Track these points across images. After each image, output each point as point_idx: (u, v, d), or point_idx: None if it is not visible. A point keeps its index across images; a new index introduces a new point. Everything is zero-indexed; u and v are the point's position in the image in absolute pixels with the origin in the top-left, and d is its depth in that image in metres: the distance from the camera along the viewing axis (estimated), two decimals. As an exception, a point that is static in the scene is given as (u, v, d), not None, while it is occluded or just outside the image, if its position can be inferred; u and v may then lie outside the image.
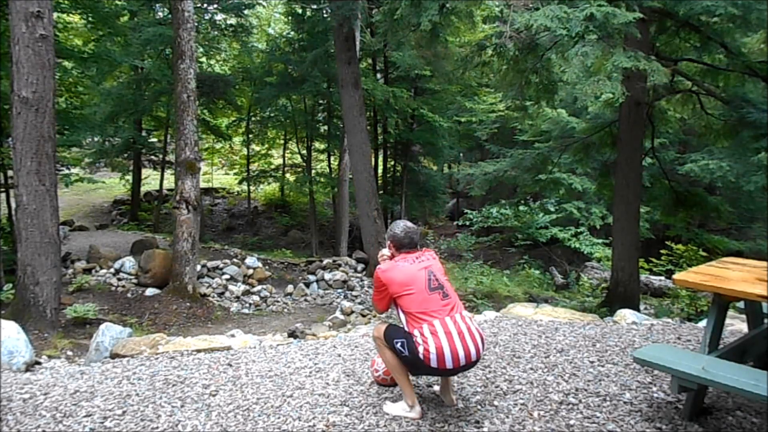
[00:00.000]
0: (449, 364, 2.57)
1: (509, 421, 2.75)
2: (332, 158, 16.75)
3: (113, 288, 8.21)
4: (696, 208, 9.06)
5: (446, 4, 6.79)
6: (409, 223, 2.91)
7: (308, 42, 13.74)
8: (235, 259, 10.10)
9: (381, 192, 15.23)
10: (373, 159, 14.73)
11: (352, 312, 8.78)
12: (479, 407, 2.91)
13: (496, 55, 7.23)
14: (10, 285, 6.49)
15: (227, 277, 9.57)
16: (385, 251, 2.94)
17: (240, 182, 17.95)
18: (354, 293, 10.13)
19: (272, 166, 18.61)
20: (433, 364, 2.57)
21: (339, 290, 10.20)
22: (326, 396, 3.12)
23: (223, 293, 9.17)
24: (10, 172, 8.70)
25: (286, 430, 2.76)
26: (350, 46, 10.83)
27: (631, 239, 7.59)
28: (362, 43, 13.33)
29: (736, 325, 4.42)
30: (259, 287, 9.67)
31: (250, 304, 9.17)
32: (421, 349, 2.58)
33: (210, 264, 9.59)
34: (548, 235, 13.42)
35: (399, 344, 2.66)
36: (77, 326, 6.39)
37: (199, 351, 4.16)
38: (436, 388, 3.11)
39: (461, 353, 2.58)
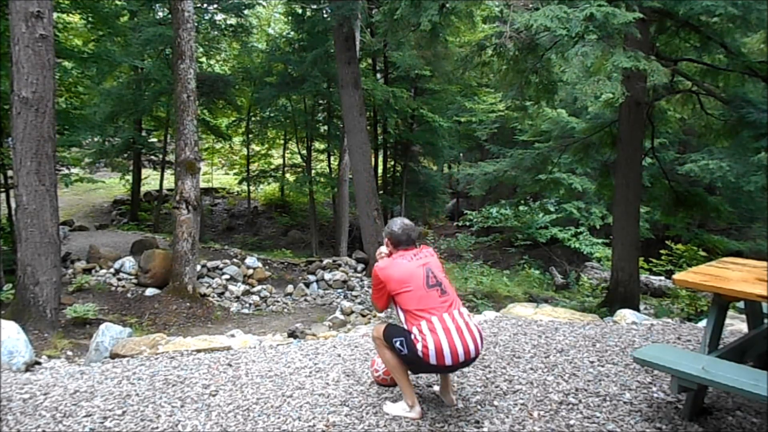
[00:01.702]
0: (448, 361, 2.58)
1: (509, 421, 2.75)
2: (332, 158, 16.76)
3: (113, 288, 8.21)
4: (696, 208, 9.06)
5: (446, 4, 6.78)
6: (407, 221, 2.91)
7: (308, 42, 13.74)
8: (235, 259, 10.10)
9: (381, 192, 15.22)
10: (373, 159, 14.73)
11: (352, 312, 8.78)
12: (479, 407, 2.91)
13: (496, 55, 7.24)
14: (10, 285, 6.50)
15: (227, 277, 9.57)
16: (383, 249, 2.94)
17: (240, 182, 17.95)
18: (354, 293, 10.13)
19: (272, 166, 18.62)
20: (432, 361, 2.57)
21: (339, 290, 10.20)
22: (326, 396, 3.12)
23: (223, 293, 9.17)
24: (10, 172, 8.70)
25: (286, 430, 2.76)
26: (350, 46, 10.83)
27: (631, 239, 7.59)
28: (362, 43, 13.33)
29: (736, 325, 4.42)
30: (259, 287, 9.67)
31: (250, 304, 9.17)
32: (419, 346, 2.58)
33: (210, 264, 9.59)
34: (548, 235, 13.41)
35: (398, 343, 2.66)
36: (77, 326, 6.39)
37: (199, 351, 4.16)
38: (436, 388, 3.11)
39: (460, 350, 2.58)
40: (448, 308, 2.67)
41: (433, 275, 2.72)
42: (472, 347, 2.62)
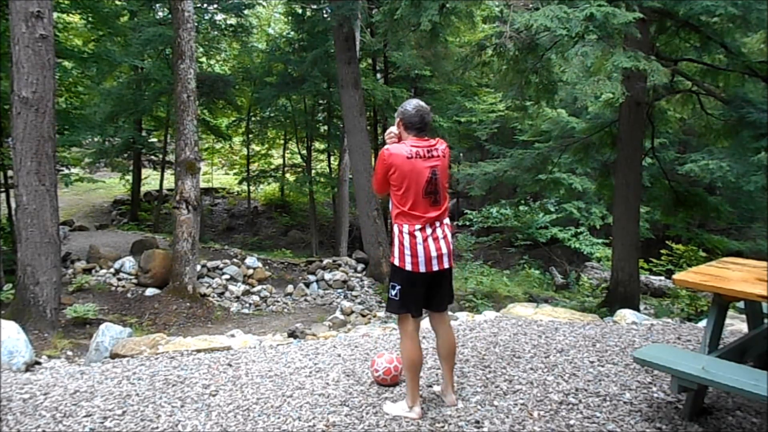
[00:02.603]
0: (422, 268, 2.67)
1: (509, 421, 2.75)
2: (332, 158, 16.75)
3: (113, 288, 8.21)
4: (696, 208, 9.07)
5: (446, 4, 6.79)
6: (422, 102, 2.78)
7: (308, 42, 13.73)
8: (235, 259, 10.09)
9: (381, 192, 15.18)
10: (373, 159, 14.73)
11: (352, 312, 8.78)
12: (479, 407, 2.91)
13: (496, 55, 7.24)
14: (10, 285, 6.49)
15: (227, 277, 9.57)
16: (393, 129, 2.78)
17: (240, 182, 17.94)
18: (354, 293, 10.12)
19: (272, 166, 18.60)
20: (408, 266, 2.67)
21: (339, 290, 10.19)
22: (326, 396, 3.12)
23: (223, 293, 9.17)
24: (10, 172, 8.70)
25: (286, 430, 2.76)
26: (350, 46, 10.83)
27: (631, 239, 7.59)
28: (362, 43, 13.32)
29: (736, 325, 4.42)
30: (259, 287, 9.67)
31: (250, 304, 9.17)
32: (396, 253, 2.72)
33: (210, 264, 9.59)
34: (548, 235, 13.42)
35: (392, 289, 2.77)
36: (77, 326, 6.39)
37: (199, 351, 4.16)
38: (437, 388, 3.11)
39: (434, 258, 2.70)
40: (434, 219, 2.72)
41: (435, 181, 2.69)
42: (445, 259, 2.74)
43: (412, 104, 2.73)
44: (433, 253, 2.69)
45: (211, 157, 21.12)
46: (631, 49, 5.74)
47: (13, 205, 6.45)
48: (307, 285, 10.21)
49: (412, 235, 2.68)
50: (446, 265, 2.76)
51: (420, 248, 2.67)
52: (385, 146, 2.74)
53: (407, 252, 2.69)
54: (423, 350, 3.76)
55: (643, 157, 8.15)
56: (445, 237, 2.75)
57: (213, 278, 9.41)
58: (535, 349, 3.80)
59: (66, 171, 12.45)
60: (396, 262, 2.74)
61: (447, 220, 2.82)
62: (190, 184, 8.17)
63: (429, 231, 2.70)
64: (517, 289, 10.42)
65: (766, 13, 6.01)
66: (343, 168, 14.16)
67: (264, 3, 16.96)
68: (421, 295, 2.78)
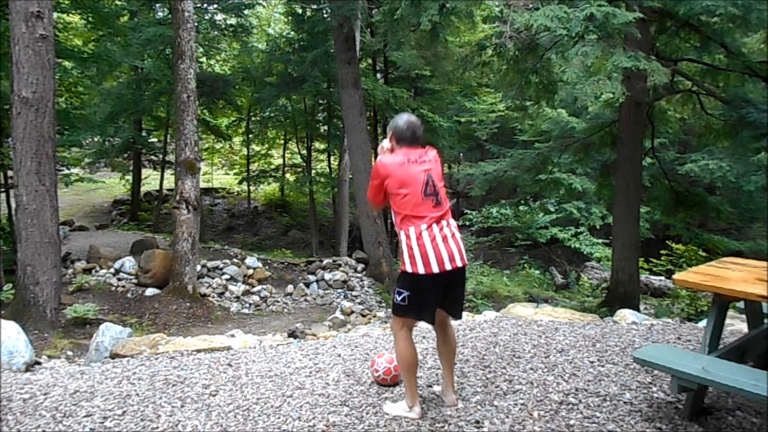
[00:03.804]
0: (435, 268, 2.62)
1: (509, 421, 2.75)
2: (332, 158, 16.75)
3: (113, 288, 8.21)
4: (696, 208, 9.06)
5: (446, 4, 6.78)
6: (414, 117, 2.84)
7: (308, 42, 13.73)
8: (235, 259, 10.09)
9: (381, 192, 15.17)
10: (372, 159, 14.72)
11: (352, 312, 8.78)
12: (479, 407, 2.91)
13: (496, 55, 7.24)
14: (10, 285, 6.49)
15: (227, 277, 9.57)
16: (386, 143, 2.86)
17: (240, 182, 17.95)
18: (354, 293, 10.12)
19: (272, 166, 18.61)
20: (420, 269, 2.62)
21: (339, 290, 10.19)
22: (326, 396, 3.12)
23: (223, 293, 9.17)
24: (10, 172, 8.70)
25: (286, 430, 2.76)
26: (350, 46, 10.83)
27: (631, 239, 7.59)
28: (362, 43, 13.32)
29: (736, 325, 4.42)
30: (259, 287, 9.67)
31: (250, 304, 9.17)
32: (407, 260, 2.65)
33: (210, 264, 9.59)
34: (548, 235, 13.42)
35: (398, 295, 2.71)
36: (77, 326, 6.39)
37: (199, 351, 4.16)
38: (437, 388, 3.11)
39: (446, 257, 2.64)
40: (439, 219, 2.70)
41: (432, 183, 2.71)
42: (457, 256, 2.68)
43: (403, 119, 2.80)
44: (444, 252, 2.65)
45: (211, 157, 21.12)
46: (631, 49, 5.74)
47: (13, 205, 6.45)
48: (307, 285, 10.21)
49: (419, 236, 2.64)
50: (459, 263, 2.69)
51: (430, 248, 2.63)
52: (378, 158, 2.79)
53: (417, 254, 2.64)
54: (423, 350, 3.77)
55: (643, 157, 8.15)
56: (453, 235, 2.72)
57: (213, 278, 9.41)
58: (535, 349, 3.80)
59: (66, 171, 12.47)
60: (407, 268, 2.66)
61: (453, 221, 2.80)
62: (190, 184, 8.17)
63: (436, 230, 2.67)
64: (517, 289, 10.42)
65: (766, 13, 6.01)
66: (343, 168, 14.16)
67: (264, 3, 16.97)
68: (435, 300, 2.72)
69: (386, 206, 2.86)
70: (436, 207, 2.70)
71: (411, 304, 2.70)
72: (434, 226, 2.68)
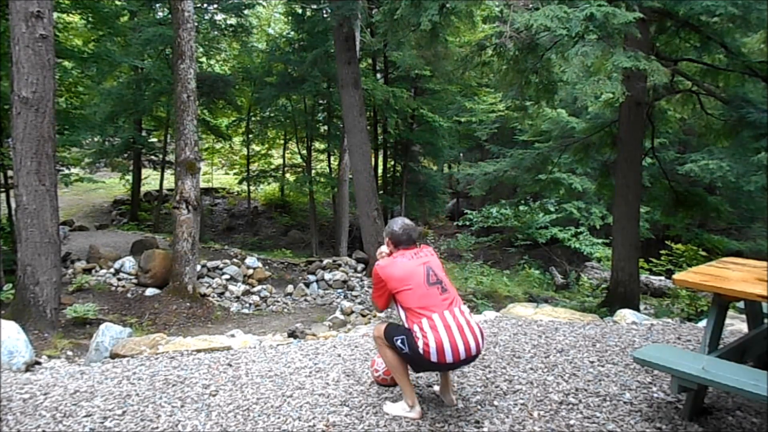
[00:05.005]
0: (449, 358, 2.57)
1: (509, 421, 2.75)
2: (332, 158, 16.75)
3: (113, 288, 8.21)
4: (696, 208, 9.06)
5: (446, 4, 6.78)
6: (407, 221, 2.92)
7: (308, 42, 13.73)
8: (235, 259, 10.10)
9: (381, 192, 15.22)
10: (373, 159, 14.73)
11: (352, 312, 8.78)
12: (479, 407, 2.91)
13: (496, 55, 7.24)
14: (10, 285, 6.49)
15: (227, 277, 9.57)
16: (384, 248, 2.96)
17: (240, 182, 17.95)
18: (354, 293, 10.13)
19: (272, 166, 18.61)
20: (433, 358, 2.57)
21: (339, 290, 10.20)
22: (326, 396, 3.12)
23: (223, 293, 9.17)
24: (10, 172, 8.70)
25: (286, 430, 2.76)
26: (350, 46, 10.83)
27: (631, 239, 7.59)
28: (362, 43, 13.33)
29: (736, 325, 4.42)
30: (259, 287, 9.67)
31: (250, 304, 9.17)
32: (420, 343, 2.57)
33: (210, 264, 9.59)
34: (548, 235, 13.41)
35: (399, 341, 2.66)
36: (77, 326, 6.39)
37: (199, 351, 4.16)
38: (436, 388, 3.11)
39: (461, 347, 2.58)
40: (449, 306, 2.67)
41: (434, 273, 2.73)
42: (473, 344, 2.62)
43: (398, 224, 2.88)
44: (460, 343, 2.57)
45: (211, 157, 21.13)
46: (631, 49, 5.74)
47: (13, 205, 6.44)
48: (307, 285, 10.21)
49: (433, 328, 2.57)
50: (474, 352, 2.63)
51: (445, 339, 2.55)
52: (376, 264, 2.82)
53: (431, 343, 2.55)
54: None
55: (643, 157, 8.15)
56: (468, 323, 2.65)
57: (213, 278, 9.41)
58: (535, 349, 3.80)
59: (66, 171, 12.46)
60: (419, 348, 2.57)
61: (465, 307, 2.77)
62: (190, 184, 8.17)
63: (450, 318, 2.61)
64: (517, 289, 10.42)
65: (766, 13, 6.01)
66: (343, 168, 14.16)
67: (264, 3, 16.96)
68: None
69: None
70: (442, 294, 2.68)
71: (408, 360, 2.70)
72: (446, 313, 2.63)
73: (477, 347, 2.64)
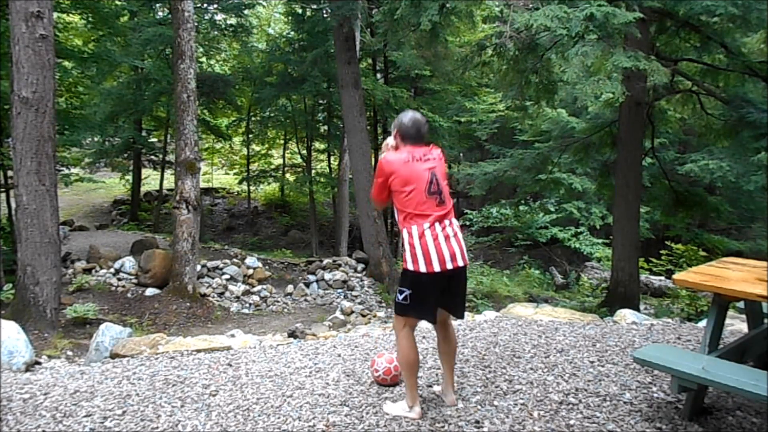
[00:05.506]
0: (436, 267, 2.63)
1: (509, 421, 2.75)
2: (332, 158, 16.75)
3: (113, 288, 8.21)
4: (696, 208, 9.07)
5: (446, 4, 6.79)
6: (418, 114, 2.84)
7: (308, 42, 13.73)
8: (235, 259, 10.09)
9: (381, 192, 15.16)
10: (373, 159, 14.73)
11: (352, 312, 8.78)
12: (479, 407, 2.91)
13: (496, 55, 7.24)
14: (10, 285, 6.49)
15: (227, 277, 9.57)
16: (390, 140, 2.87)
17: (240, 182, 17.94)
18: (354, 293, 10.12)
19: (272, 166, 18.61)
20: (422, 268, 2.63)
21: (339, 290, 10.19)
22: (326, 396, 3.12)
23: (223, 293, 9.17)
24: (10, 172, 8.70)
25: (286, 430, 2.76)
26: (350, 46, 10.83)
27: (631, 239, 7.59)
28: (362, 43, 13.32)
29: (736, 325, 4.42)
30: (259, 287, 9.67)
31: (250, 304, 9.17)
32: (409, 258, 2.66)
33: (210, 264, 9.59)
34: (548, 235, 13.43)
35: (400, 294, 2.72)
36: (77, 326, 6.39)
37: (199, 351, 4.16)
38: (437, 388, 3.11)
39: (447, 256, 2.65)
40: (442, 218, 2.71)
41: (436, 182, 2.71)
42: (458, 255, 2.69)
43: (408, 116, 2.80)
44: (446, 251, 2.66)
45: (211, 157, 21.12)
46: (631, 49, 5.74)
47: (13, 205, 6.44)
48: (307, 285, 10.21)
49: (422, 235, 2.65)
50: (460, 263, 2.70)
51: (432, 247, 2.64)
52: (382, 155, 2.80)
53: (419, 253, 2.65)
54: (423, 350, 3.77)
55: (643, 157, 8.15)
56: (455, 235, 2.73)
57: (213, 278, 9.41)
58: (535, 349, 3.80)
59: (66, 171, 12.47)
60: (409, 267, 2.68)
61: (455, 220, 2.81)
62: (190, 184, 8.17)
63: (439, 229, 2.67)
64: (517, 289, 10.42)
65: (766, 13, 6.01)
66: (343, 168, 14.16)
67: (264, 3, 16.96)
68: (435, 298, 2.73)
69: (388, 205, 2.87)
70: (439, 206, 2.70)
71: (412, 302, 2.70)
72: (437, 224, 2.68)
73: (462, 257, 2.71)
